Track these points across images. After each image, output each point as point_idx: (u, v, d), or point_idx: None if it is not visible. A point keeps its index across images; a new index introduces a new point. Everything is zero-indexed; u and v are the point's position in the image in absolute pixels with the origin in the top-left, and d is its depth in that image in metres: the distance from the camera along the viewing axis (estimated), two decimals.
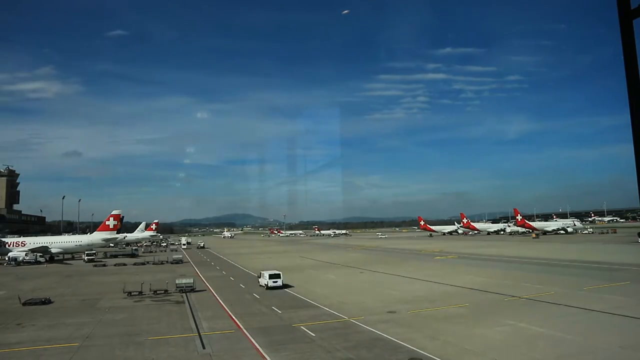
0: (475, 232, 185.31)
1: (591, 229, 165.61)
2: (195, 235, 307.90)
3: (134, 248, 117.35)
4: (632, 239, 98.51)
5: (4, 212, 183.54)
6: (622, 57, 4.74)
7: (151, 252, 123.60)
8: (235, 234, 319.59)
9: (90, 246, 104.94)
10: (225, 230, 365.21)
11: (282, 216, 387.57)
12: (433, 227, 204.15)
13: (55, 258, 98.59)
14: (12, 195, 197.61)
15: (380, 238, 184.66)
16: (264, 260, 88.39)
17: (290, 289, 47.44)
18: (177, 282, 48.36)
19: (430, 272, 59.32)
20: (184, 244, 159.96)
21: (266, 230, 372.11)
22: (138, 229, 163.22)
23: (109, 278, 63.04)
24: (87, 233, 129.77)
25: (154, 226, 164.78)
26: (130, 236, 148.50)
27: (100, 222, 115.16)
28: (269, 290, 46.76)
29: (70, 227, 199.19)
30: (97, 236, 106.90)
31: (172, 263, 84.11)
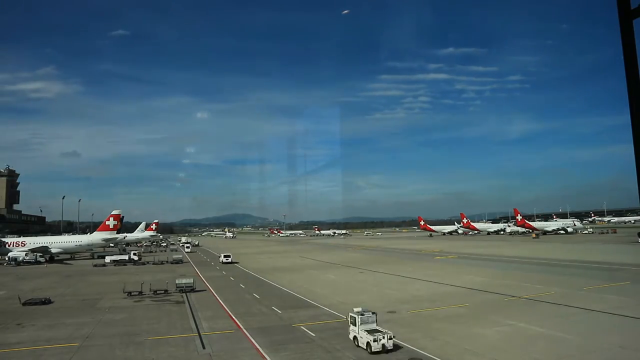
0: (475, 232, 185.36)
1: (591, 229, 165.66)
2: (195, 235, 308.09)
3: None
4: (632, 239, 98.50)
5: (4, 212, 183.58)
6: (622, 57, 4.74)
7: (151, 252, 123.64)
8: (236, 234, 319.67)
9: (90, 246, 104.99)
10: (227, 230, 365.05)
11: (282, 216, 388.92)
12: (433, 227, 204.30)
13: (56, 258, 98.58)
14: (12, 195, 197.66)
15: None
16: (264, 260, 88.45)
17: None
18: (177, 282, 48.38)
19: (430, 272, 59.32)
20: (187, 245, 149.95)
21: (266, 230, 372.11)
22: (138, 229, 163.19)
23: (109, 278, 63.02)
24: (87, 233, 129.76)
25: (154, 226, 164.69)
26: (130, 236, 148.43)
27: (100, 222, 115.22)
28: (268, 290, 46.99)
29: (70, 227, 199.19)
30: (97, 236, 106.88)
31: (172, 263, 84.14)
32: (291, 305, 38.44)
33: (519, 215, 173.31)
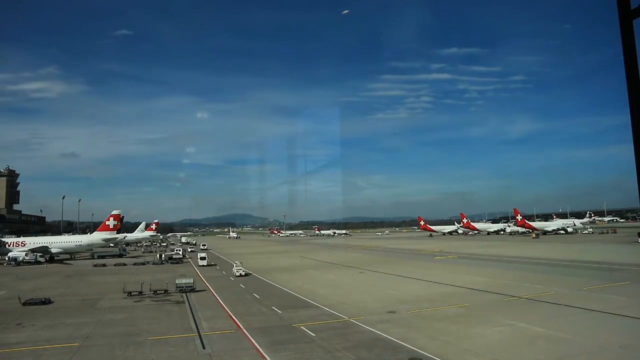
0: (475, 232, 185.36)
1: (591, 229, 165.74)
2: (195, 235, 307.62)
3: (121, 247, 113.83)
4: (632, 239, 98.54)
5: (4, 212, 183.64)
6: (622, 57, 4.74)
7: (151, 252, 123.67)
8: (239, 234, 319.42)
9: (90, 246, 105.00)
10: (230, 230, 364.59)
11: (282, 216, 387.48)
12: (433, 227, 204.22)
13: (56, 258, 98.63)
14: (12, 195, 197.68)
15: (379, 237, 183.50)
16: (264, 260, 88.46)
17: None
18: (177, 282, 48.40)
19: (430, 272, 59.33)
20: (191, 245, 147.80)
21: (266, 230, 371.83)
22: (138, 229, 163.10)
23: (109, 278, 63.03)
24: (87, 233, 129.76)
25: (154, 226, 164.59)
26: (130, 236, 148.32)
27: (100, 222, 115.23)
28: (268, 290, 47.10)
29: (70, 227, 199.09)
30: (97, 236, 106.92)
31: (172, 263, 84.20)
32: (291, 305, 38.44)
33: (519, 215, 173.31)
